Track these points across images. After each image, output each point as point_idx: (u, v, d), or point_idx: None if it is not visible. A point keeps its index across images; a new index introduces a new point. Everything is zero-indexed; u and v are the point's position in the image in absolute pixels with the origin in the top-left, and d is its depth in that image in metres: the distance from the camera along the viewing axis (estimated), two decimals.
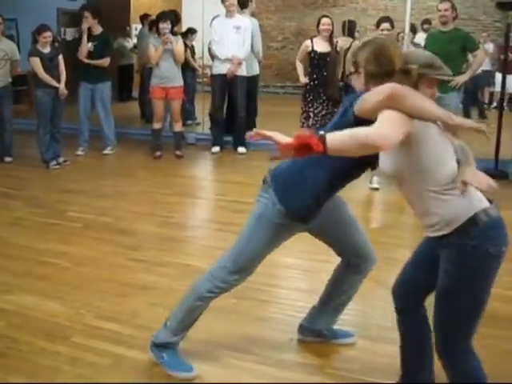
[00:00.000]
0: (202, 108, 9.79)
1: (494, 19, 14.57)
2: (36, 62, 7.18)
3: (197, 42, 10.62)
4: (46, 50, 7.26)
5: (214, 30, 8.43)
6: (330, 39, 7.25)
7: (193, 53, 10.65)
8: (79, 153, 8.24)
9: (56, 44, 7.73)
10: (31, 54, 7.22)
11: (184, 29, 11.18)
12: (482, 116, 12.14)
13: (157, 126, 8.22)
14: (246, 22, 8.40)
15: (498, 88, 11.00)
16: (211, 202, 6.64)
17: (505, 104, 10.57)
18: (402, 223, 5.76)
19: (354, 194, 6.10)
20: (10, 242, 4.90)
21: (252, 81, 8.77)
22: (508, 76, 9.32)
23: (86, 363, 3.14)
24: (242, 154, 8.55)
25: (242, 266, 2.94)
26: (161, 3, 14.04)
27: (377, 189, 6.69)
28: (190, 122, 10.50)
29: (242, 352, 3.28)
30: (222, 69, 8.34)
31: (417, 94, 2.35)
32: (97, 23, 8.10)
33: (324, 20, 7.22)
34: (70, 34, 12.98)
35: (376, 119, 2.31)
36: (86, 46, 7.97)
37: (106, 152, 8.37)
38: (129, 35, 13.50)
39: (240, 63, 8.30)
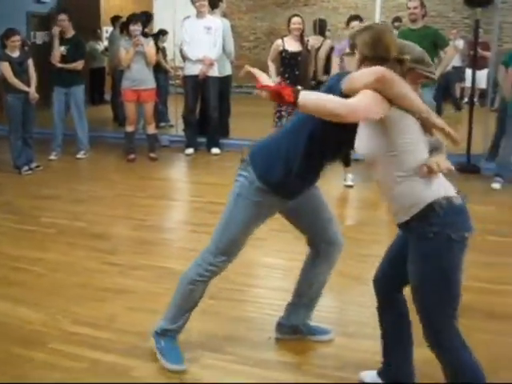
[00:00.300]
0: (175, 110, 9.75)
1: (463, 16, 14.70)
2: (5, 67, 7.09)
3: (168, 44, 10.60)
4: (15, 54, 7.18)
5: (185, 30, 8.41)
6: (301, 38, 7.26)
7: (164, 54, 10.61)
8: (52, 157, 8.16)
9: (25, 48, 7.65)
10: (0, 59, 7.14)
11: (155, 30, 11.14)
12: (458, 108, 12.28)
13: (130, 128, 8.18)
14: (216, 23, 8.39)
15: (468, 84, 11.11)
16: (186, 203, 6.63)
17: (475, 99, 10.71)
18: (377, 220, 5.80)
19: (329, 191, 6.13)
20: None
21: (224, 81, 8.76)
22: (478, 72, 9.43)
23: (63, 369, 3.11)
24: (215, 155, 8.54)
25: (226, 248, 3.01)
26: (131, 5, 13.95)
27: (351, 186, 6.74)
28: (163, 124, 10.46)
29: (221, 352, 3.29)
30: (193, 70, 8.32)
31: (404, 83, 2.43)
32: (70, 26, 8.04)
33: (294, 19, 7.24)
34: (40, 37, 12.85)
35: None
36: (59, 50, 7.91)
37: (79, 156, 8.30)
38: (100, 38, 13.41)
39: (212, 64, 8.29)
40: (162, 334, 3.19)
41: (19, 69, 7.19)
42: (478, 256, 4.55)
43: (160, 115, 10.29)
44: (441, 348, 2.55)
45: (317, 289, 3.34)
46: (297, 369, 3.16)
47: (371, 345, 3.06)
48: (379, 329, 2.92)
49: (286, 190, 2.92)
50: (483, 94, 10.70)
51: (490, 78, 8.26)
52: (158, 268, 4.40)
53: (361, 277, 4.16)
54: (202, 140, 8.79)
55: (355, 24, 6.73)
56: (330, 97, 2.42)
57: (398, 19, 11.80)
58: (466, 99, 13.14)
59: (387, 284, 2.84)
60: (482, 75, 10.50)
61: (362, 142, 2.60)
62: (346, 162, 6.75)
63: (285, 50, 7.21)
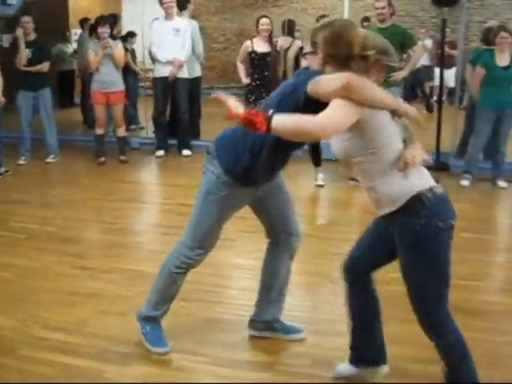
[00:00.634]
0: (145, 112, 9.71)
1: (431, 15, 14.83)
2: None
3: (137, 46, 10.53)
4: None
5: (154, 32, 8.38)
6: (270, 39, 7.28)
7: (133, 56, 10.55)
8: (21, 162, 8.04)
9: None
10: None
11: (124, 32, 11.07)
12: (429, 110, 12.38)
13: (99, 131, 8.12)
14: (185, 24, 8.37)
15: (437, 82, 11.22)
16: (157, 206, 6.61)
17: (444, 98, 10.82)
18: (347, 219, 5.83)
19: (300, 191, 6.16)
20: None
21: (194, 83, 8.74)
22: (446, 70, 9.53)
23: (33, 375, 3.08)
24: (186, 156, 8.52)
25: (201, 242, 3.08)
26: (99, 7, 13.84)
27: (322, 186, 6.77)
28: (133, 126, 10.39)
29: (193, 354, 3.28)
30: (163, 72, 8.29)
31: (370, 85, 2.43)
32: (33, 29, 7.95)
33: (263, 20, 7.25)
34: (6, 40, 12.67)
35: (327, 103, 2.42)
36: (25, 53, 7.80)
37: (48, 160, 8.20)
38: (68, 40, 13.28)
39: (181, 65, 8.27)
40: (146, 319, 3.29)
41: None
42: (457, 254, 4.60)
43: (130, 117, 10.23)
44: (441, 334, 2.61)
45: (281, 280, 3.36)
46: (269, 368, 3.16)
47: (343, 342, 3.07)
48: (349, 318, 2.96)
49: (253, 181, 2.95)
50: (452, 92, 10.80)
51: (458, 76, 8.34)
52: (129, 271, 4.37)
53: (332, 275, 4.18)
54: (173, 142, 8.75)
55: None
56: (303, 119, 2.39)
57: (366, 19, 11.86)
58: (435, 97, 13.29)
59: (358, 269, 2.87)
60: (451, 74, 10.61)
61: (338, 145, 2.61)
62: (317, 162, 6.78)
63: (254, 51, 7.22)
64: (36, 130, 8.25)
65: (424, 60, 12.35)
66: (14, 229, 5.41)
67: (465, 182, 6.90)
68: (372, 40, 2.54)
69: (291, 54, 7.66)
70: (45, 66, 7.95)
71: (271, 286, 3.36)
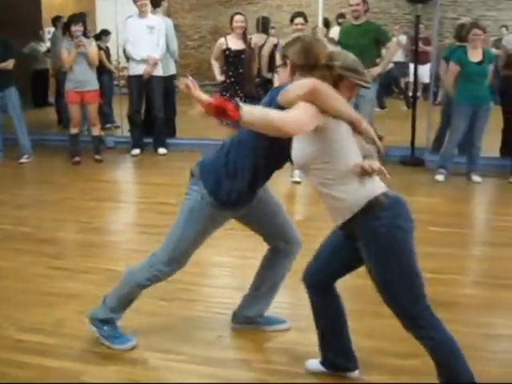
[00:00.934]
0: (120, 110, 9.65)
1: (405, 12, 14.94)
2: None
3: (112, 44, 10.46)
4: None
5: (128, 30, 8.33)
6: (244, 36, 7.25)
7: (108, 55, 10.48)
8: None
9: None
10: None
11: (98, 30, 10.99)
12: (408, 106, 12.44)
13: (74, 130, 8.05)
14: (159, 22, 8.33)
15: (412, 78, 11.31)
16: (133, 205, 6.57)
17: (419, 93, 10.90)
18: (324, 215, 5.76)
19: (276, 187, 6.14)
20: None
21: (169, 81, 8.70)
22: (421, 66, 9.60)
23: (10, 378, 3.04)
24: (162, 155, 8.50)
25: (176, 259, 3.10)
26: (73, 5, 13.71)
27: (298, 182, 6.79)
28: (108, 125, 10.33)
29: (171, 353, 3.28)
30: (138, 70, 8.25)
31: (334, 94, 2.52)
32: None
33: (237, 17, 7.23)
34: None
35: None
36: None
37: (22, 161, 8.10)
38: (42, 39, 13.15)
39: (156, 63, 8.23)
40: (103, 321, 3.28)
41: None
42: (423, 247, 4.58)
43: (105, 116, 10.17)
44: (424, 334, 2.62)
45: (275, 283, 3.42)
46: (248, 366, 3.17)
47: None
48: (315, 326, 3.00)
49: (237, 203, 3.01)
50: (427, 88, 10.88)
51: (433, 72, 8.41)
52: (105, 271, 4.34)
53: None
54: (149, 140, 8.71)
55: (299, 21, 6.78)
56: (272, 113, 2.45)
57: (341, 16, 11.93)
58: (410, 93, 13.37)
59: (318, 281, 2.93)
60: (425, 70, 10.69)
61: (297, 151, 2.67)
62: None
63: (228, 49, 7.19)
64: (7, 130, 8.16)
65: (399, 56, 12.43)
66: None
67: (440, 177, 6.95)
68: (343, 57, 2.65)
69: (266, 51, 7.67)
70: (9, 64, 7.80)
71: (263, 285, 3.41)
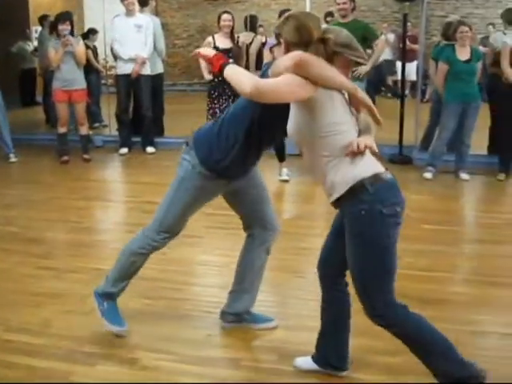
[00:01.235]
0: (108, 110, 9.61)
1: (393, 10, 14.96)
2: None
3: (99, 43, 10.42)
4: None
5: (115, 29, 8.30)
6: (232, 35, 7.25)
7: (95, 54, 10.44)
8: None
9: None
10: None
11: (86, 29, 10.95)
12: (397, 96, 12.45)
13: (62, 130, 8.01)
14: (146, 21, 8.32)
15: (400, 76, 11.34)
16: (121, 204, 6.54)
17: (407, 91, 10.92)
18: (312, 213, 5.86)
19: None
20: None
21: (156, 79, 8.70)
22: (408, 64, 9.62)
23: None
24: (151, 153, 8.48)
25: (168, 227, 3.17)
26: (60, 4, 13.65)
27: (286, 181, 6.79)
28: (96, 124, 10.30)
29: (160, 352, 3.26)
30: (125, 69, 8.23)
31: (323, 63, 2.50)
32: None
33: (224, 16, 7.22)
34: None
35: None
36: None
37: (13, 160, 8.04)
38: (29, 38, 13.08)
39: (144, 62, 8.22)
40: (103, 295, 3.37)
41: None
42: (413, 244, 4.66)
43: (93, 115, 10.15)
44: (389, 324, 2.63)
45: (255, 274, 3.42)
46: (237, 364, 3.16)
47: (311, 337, 3.08)
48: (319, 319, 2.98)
49: (227, 174, 3.05)
50: (414, 85, 10.91)
51: (420, 70, 8.43)
52: (94, 270, 4.31)
53: (299, 270, 4.19)
54: (137, 139, 8.70)
55: None
56: (249, 74, 2.57)
57: (329, 14, 11.88)
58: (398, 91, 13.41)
59: (330, 271, 2.90)
60: (413, 67, 10.72)
61: (292, 124, 2.67)
62: (281, 157, 6.80)
63: (216, 47, 7.16)
64: None
65: (386, 54, 12.47)
66: None
67: (428, 175, 6.97)
68: (336, 32, 2.62)
69: (253, 50, 7.66)
70: None
71: (244, 278, 3.42)
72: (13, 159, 8.06)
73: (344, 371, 3.00)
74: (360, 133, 2.61)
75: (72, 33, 7.73)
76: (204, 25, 16.44)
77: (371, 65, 7.21)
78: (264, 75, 2.76)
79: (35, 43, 12.58)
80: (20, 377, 3.04)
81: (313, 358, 3.04)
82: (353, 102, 2.63)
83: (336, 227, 2.83)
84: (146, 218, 5.20)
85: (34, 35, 13.14)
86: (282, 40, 2.70)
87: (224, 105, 7.13)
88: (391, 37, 13.12)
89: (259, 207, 3.31)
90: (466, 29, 6.75)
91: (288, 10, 7.04)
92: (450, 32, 7.09)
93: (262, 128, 2.91)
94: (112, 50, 8.62)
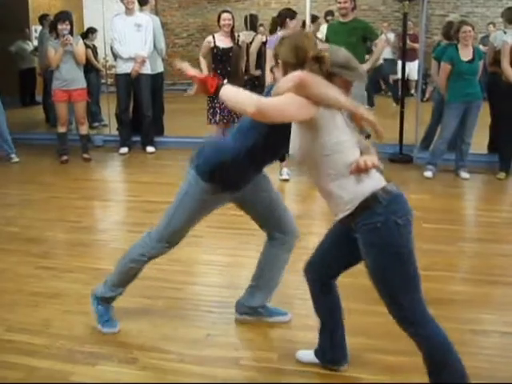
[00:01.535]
0: (108, 109, 9.60)
1: (393, 9, 14.97)
2: None
3: (99, 42, 10.41)
4: None
5: (115, 28, 8.29)
6: (232, 34, 7.24)
7: (95, 53, 10.42)
8: None
9: None
10: None
11: (85, 28, 10.94)
12: (397, 103, 12.46)
13: (62, 129, 8.01)
14: (146, 20, 8.32)
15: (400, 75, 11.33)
16: (121, 203, 6.53)
17: (412, 91, 10.90)
18: (312, 212, 5.85)
19: None
20: None
21: (156, 79, 8.69)
22: (410, 63, 9.62)
23: None
24: (151, 153, 8.48)
25: (169, 237, 3.24)
26: (60, 3, 13.64)
27: (287, 180, 6.78)
28: (96, 123, 10.30)
29: (160, 352, 3.26)
30: (125, 68, 8.22)
31: (323, 83, 2.51)
32: None
33: (224, 15, 7.21)
34: None
35: None
36: None
37: (15, 160, 8.01)
38: (28, 38, 13.07)
39: (144, 62, 8.21)
40: (100, 299, 3.44)
41: None
42: (414, 243, 4.65)
43: (93, 115, 10.15)
44: (415, 332, 2.61)
45: (274, 273, 3.48)
46: (236, 364, 3.15)
47: (311, 336, 3.09)
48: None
49: (230, 188, 3.11)
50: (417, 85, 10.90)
51: (420, 69, 8.41)
52: (92, 270, 4.31)
53: (298, 269, 4.15)
54: (137, 139, 8.70)
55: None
56: (248, 94, 2.54)
57: (330, 13, 11.89)
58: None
59: (319, 274, 2.93)
60: (415, 67, 10.71)
61: (295, 144, 2.68)
62: (282, 157, 6.78)
63: (216, 47, 7.18)
64: None
65: (386, 54, 12.46)
66: None
67: (428, 174, 6.97)
68: (333, 52, 2.65)
69: (254, 49, 7.64)
70: None
71: (261, 275, 3.48)
72: (15, 159, 8.04)
73: (343, 366, 3.03)
74: (361, 153, 2.62)
75: (71, 32, 7.71)
76: (204, 24, 16.44)
77: (371, 64, 7.21)
78: (267, 96, 2.74)
79: (35, 43, 12.58)
80: (20, 377, 3.03)
81: (315, 351, 3.08)
82: (354, 119, 2.63)
83: (334, 237, 2.84)
84: (146, 218, 5.27)
85: (34, 35, 13.15)
86: (279, 61, 2.73)
87: (224, 104, 7.10)
88: (391, 36, 13.10)
89: (273, 211, 3.35)
90: (469, 28, 6.73)
91: (289, 8, 7.09)
92: (451, 32, 7.07)
93: (267, 146, 2.96)
94: (112, 49, 8.61)
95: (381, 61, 10.70)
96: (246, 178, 3.14)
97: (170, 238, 3.24)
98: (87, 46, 9.21)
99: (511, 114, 6.89)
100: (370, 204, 2.52)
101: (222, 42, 7.20)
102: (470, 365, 2.96)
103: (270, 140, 2.91)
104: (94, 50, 10.42)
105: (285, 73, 2.66)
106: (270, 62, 6.54)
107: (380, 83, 13.36)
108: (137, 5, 8.35)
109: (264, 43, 7.50)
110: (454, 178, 7.00)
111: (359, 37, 7.07)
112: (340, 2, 7.20)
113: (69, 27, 7.62)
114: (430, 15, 12.66)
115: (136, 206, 6.05)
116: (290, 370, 3.09)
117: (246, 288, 3.55)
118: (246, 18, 8.99)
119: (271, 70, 3.04)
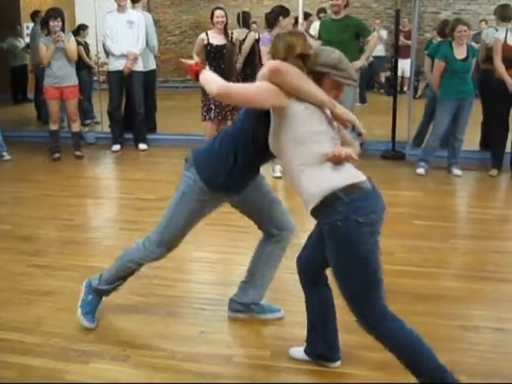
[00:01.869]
0: (100, 106, 9.58)
1: (386, 6, 14.99)
2: None
3: (91, 39, 10.37)
4: None
5: (107, 25, 8.27)
6: (225, 31, 7.23)
7: (87, 50, 10.39)
8: None
9: None
10: None
11: (77, 25, 10.90)
12: (388, 94, 12.47)
13: (53, 127, 7.98)
14: (139, 17, 8.30)
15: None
16: (114, 201, 6.51)
17: (406, 88, 10.90)
18: (304, 209, 5.83)
19: None
20: None
21: (149, 76, 8.68)
22: (403, 61, 9.61)
23: None
24: (143, 150, 8.47)
25: (168, 241, 3.26)
26: (52, 0, 13.58)
27: (279, 177, 6.78)
28: (88, 121, 10.27)
29: (152, 349, 3.26)
30: (117, 65, 8.20)
31: (300, 76, 2.57)
32: None
33: (217, 12, 7.20)
34: None
35: None
36: None
37: (7, 158, 7.98)
38: (20, 34, 13.01)
39: (136, 59, 8.19)
40: (93, 290, 3.46)
41: None
42: (405, 240, 4.68)
43: (85, 112, 10.12)
44: (382, 335, 2.61)
45: (268, 270, 3.48)
46: (229, 361, 3.15)
47: (304, 333, 3.09)
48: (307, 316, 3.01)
49: (226, 189, 3.10)
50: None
51: (412, 66, 8.43)
52: (85, 268, 4.29)
53: (290, 266, 4.13)
54: (129, 136, 8.67)
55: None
56: (222, 80, 2.67)
57: (322, 10, 11.89)
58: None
59: (309, 269, 2.95)
60: (407, 64, 10.72)
61: (270, 136, 2.73)
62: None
63: (210, 44, 7.16)
64: None
65: (379, 51, 12.46)
66: None
67: (421, 171, 6.98)
68: (326, 53, 2.70)
69: (246, 46, 7.64)
70: None
71: (255, 271, 3.48)
72: (7, 157, 8.00)
73: (336, 361, 3.03)
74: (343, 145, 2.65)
75: (63, 29, 7.69)
76: (197, 21, 16.40)
77: (363, 60, 7.22)
78: None
79: (27, 40, 12.53)
80: (13, 376, 3.02)
81: (305, 351, 3.08)
82: (335, 117, 2.66)
83: (319, 230, 2.83)
84: (139, 215, 5.26)
85: (26, 32, 13.09)
86: (273, 58, 2.76)
87: (218, 101, 7.10)
88: (384, 33, 13.12)
89: (267, 210, 3.35)
90: (465, 28, 6.72)
91: (281, 6, 7.08)
92: (447, 30, 7.08)
93: (259, 146, 2.95)
94: (104, 46, 8.59)
95: (371, 58, 10.68)
96: (245, 180, 3.14)
97: (169, 242, 3.25)
98: (79, 43, 9.17)
99: (503, 111, 6.92)
100: (330, 202, 2.52)
101: (216, 39, 7.18)
102: (459, 360, 2.99)
103: (261, 139, 2.90)
104: (86, 46, 10.39)
105: None
106: (265, 57, 6.53)
107: (372, 80, 13.38)
108: (129, 2, 8.33)
109: (257, 40, 7.49)
110: (447, 175, 7.02)
111: (352, 34, 7.08)
112: (332, 0, 7.20)
113: (60, 24, 7.60)
114: (422, 12, 12.68)
115: (128, 204, 6.04)
116: (283, 367, 3.09)
117: (238, 284, 3.55)
118: (238, 15, 8.99)
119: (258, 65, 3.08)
